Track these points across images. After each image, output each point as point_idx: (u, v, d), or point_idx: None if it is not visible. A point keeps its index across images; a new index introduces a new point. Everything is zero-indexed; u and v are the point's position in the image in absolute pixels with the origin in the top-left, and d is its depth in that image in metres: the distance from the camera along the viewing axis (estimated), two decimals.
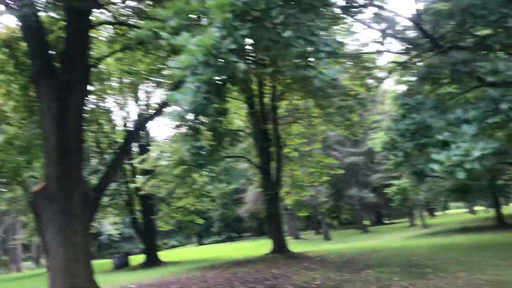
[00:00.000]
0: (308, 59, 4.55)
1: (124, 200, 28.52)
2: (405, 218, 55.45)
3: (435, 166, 4.42)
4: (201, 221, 33.52)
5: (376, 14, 13.75)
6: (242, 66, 4.59)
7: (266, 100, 24.82)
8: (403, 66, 10.99)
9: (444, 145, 4.56)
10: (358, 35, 59.52)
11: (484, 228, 29.21)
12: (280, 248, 23.03)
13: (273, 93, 24.01)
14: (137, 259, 31.23)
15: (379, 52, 11.37)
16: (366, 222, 53.75)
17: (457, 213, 68.20)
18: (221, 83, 4.52)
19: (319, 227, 45.47)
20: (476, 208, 57.17)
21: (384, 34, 11.95)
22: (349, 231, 50.39)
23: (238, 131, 28.11)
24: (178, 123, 5.32)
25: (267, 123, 24.44)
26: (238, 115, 28.13)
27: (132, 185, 25.36)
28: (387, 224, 60.28)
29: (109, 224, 48.48)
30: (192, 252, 43.92)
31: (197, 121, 5.08)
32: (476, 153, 4.26)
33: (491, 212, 36.52)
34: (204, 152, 5.50)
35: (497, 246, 16.85)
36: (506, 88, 4.65)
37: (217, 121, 5.51)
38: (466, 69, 5.25)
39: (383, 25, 12.26)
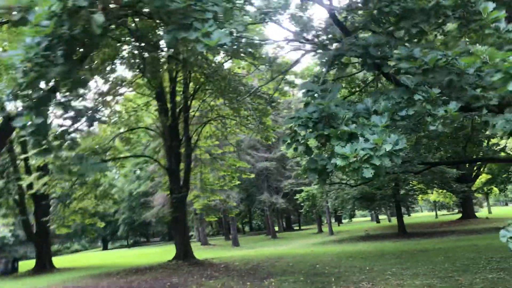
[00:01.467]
0: (192, 17, 3.64)
1: (14, 199, 25.74)
2: (314, 225, 56.60)
3: (338, 161, 3.68)
4: (102, 224, 31.27)
5: (292, 15, 13.30)
6: (98, 18, 3.58)
7: (178, 98, 23.65)
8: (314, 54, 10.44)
9: (351, 137, 3.86)
10: (273, 36, 59.87)
11: (386, 236, 30.15)
12: (184, 254, 21.85)
13: (184, 90, 22.88)
14: (28, 264, 28.39)
15: (288, 41, 10.75)
16: (276, 228, 54.04)
17: (362, 221, 71.13)
18: (71, 39, 3.48)
19: (229, 232, 44.72)
20: (380, 216, 59.92)
21: (298, 35, 11.47)
22: (259, 237, 50.30)
23: (147, 129, 26.74)
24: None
25: (177, 122, 23.24)
26: (148, 112, 26.67)
27: (22, 183, 22.82)
28: (296, 230, 61.19)
29: (1, 225, 44.14)
30: (93, 257, 41.29)
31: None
32: (387, 147, 3.58)
33: (394, 221, 38.05)
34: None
35: (399, 254, 17.06)
36: (422, 76, 4.07)
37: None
38: (378, 54, 4.65)
39: (299, 27, 11.83)
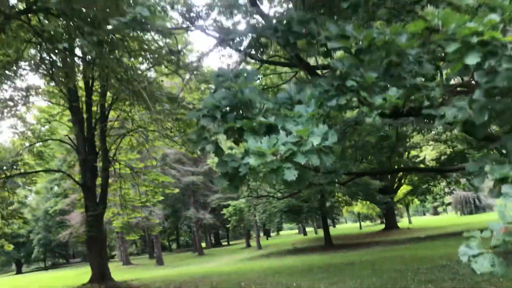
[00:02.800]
0: None
1: None
2: (242, 239, 55.75)
3: (252, 160, 2.83)
4: (10, 247, 28.38)
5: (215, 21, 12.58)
6: None
7: (95, 108, 21.96)
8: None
9: (269, 131, 3.03)
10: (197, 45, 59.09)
11: (314, 249, 29.95)
12: (100, 276, 20.05)
13: (101, 100, 21.26)
14: None
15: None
16: (204, 244, 52.61)
17: (289, 234, 71.42)
18: None
19: (153, 251, 42.67)
20: (307, 229, 60.38)
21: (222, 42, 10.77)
22: (185, 254, 48.57)
23: (61, 141, 24.61)
24: None
25: (94, 134, 21.53)
26: (61, 123, 24.66)
27: None
28: (225, 245, 60.07)
29: None
30: (2, 283, 37.61)
31: None
32: (315, 141, 2.79)
33: (320, 233, 38.14)
34: None
35: (326, 268, 16.58)
36: (355, 58, 3.36)
37: None
38: (303, 31, 3.90)
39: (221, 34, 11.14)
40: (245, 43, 10.36)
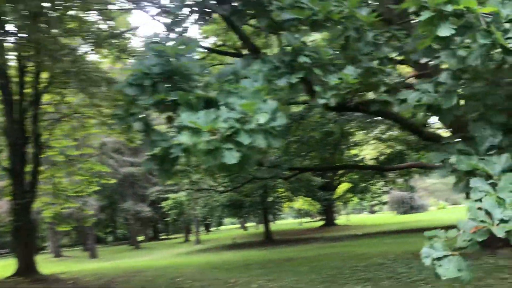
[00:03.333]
0: None
1: None
2: (182, 234, 54.75)
3: (185, 137, 2.36)
4: None
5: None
6: None
7: (30, 90, 20.47)
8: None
9: (209, 106, 2.58)
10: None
11: (253, 244, 29.77)
12: (26, 269, 18.78)
13: (35, 82, 19.86)
14: None
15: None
16: (141, 238, 51.19)
17: (230, 228, 71.14)
18: None
19: (87, 243, 40.89)
20: (248, 224, 60.27)
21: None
22: (121, 247, 47.00)
23: None
24: None
25: (25, 117, 20.07)
26: None
27: None
28: (164, 239, 58.79)
29: None
30: None
31: None
32: (261, 118, 2.37)
33: (261, 228, 38.08)
34: None
35: (265, 264, 16.35)
36: (310, 30, 2.97)
37: None
38: None
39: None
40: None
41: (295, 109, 13.67)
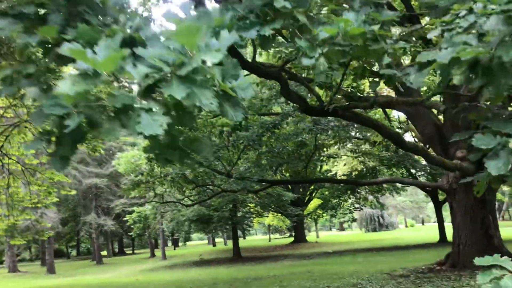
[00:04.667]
0: None
1: None
2: (148, 249, 53.00)
3: (66, 86, 1.50)
4: None
5: None
6: None
7: None
8: None
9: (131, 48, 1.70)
10: None
11: (221, 260, 28.70)
12: None
13: None
14: None
15: None
16: (104, 253, 49.21)
17: (198, 244, 69.56)
18: None
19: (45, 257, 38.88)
20: (216, 240, 58.96)
21: None
22: (83, 262, 45.02)
23: None
24: None
25: None
26: None
27: None
28: (129, 254, 56.83)
29: None
30: None
31: None
32: (208, 58, 1.54)
33: (230, 244, 37.01)
34: None
35: (232, 282, 15.40)
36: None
37: None
38: None
39: None
40: None
41: (268, 118, 12.97)
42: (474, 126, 3.46)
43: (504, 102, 4.36)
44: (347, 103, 6.56)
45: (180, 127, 1.88)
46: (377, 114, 23.38)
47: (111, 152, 34.84)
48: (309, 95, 9.49)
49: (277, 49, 6.05)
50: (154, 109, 1.61)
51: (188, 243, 70.91)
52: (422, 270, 12.68)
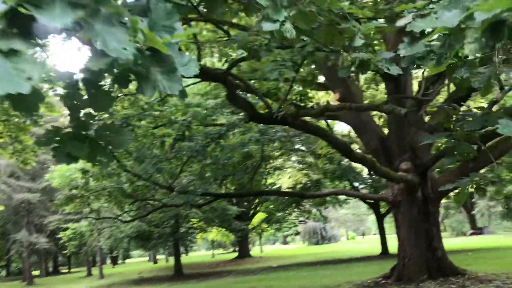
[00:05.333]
0: None
1: None
2: (85, 267, 50.39)
3: None
4: None
5: None
6: None
7: None
8: None
9: None
10: None
11: (162, 278, 27.57)
12: None
13: None
14: None
15: None
16: (37, 272, 46.24)
17: (139, 261, 67.17)
18: None
19: None
20: (158, 256, 57.12)
21: None
22: (11, 284, 42.03)
23: None
24: None
25: None
26: None
27: None
28: (64, 273, 53.77)
29: None
30: None
31: None
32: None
33: (171, 261, 35.81)
34: None
35: None
36: None
37: None
38: None
39: None
40: None
41: (212, 128, 12.44)
42: (442, 127, 3.22)
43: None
44: (297, 110, 6.25)
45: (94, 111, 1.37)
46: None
47: (45, 165, 32.83)
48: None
49: (225, 49, 5.60)
50: (22, 52, 1.10)
51: (127, 260, 68.31)
52: (368, 284, 12.52)
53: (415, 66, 2.58)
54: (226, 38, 6.14)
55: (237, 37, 3.84)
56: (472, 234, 48.69)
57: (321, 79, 14.21)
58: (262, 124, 12.43)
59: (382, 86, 21.66)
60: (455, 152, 2.36)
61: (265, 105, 6.14)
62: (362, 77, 18.39)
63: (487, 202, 49.69)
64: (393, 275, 12.40)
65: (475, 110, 3.11)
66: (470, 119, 2.41)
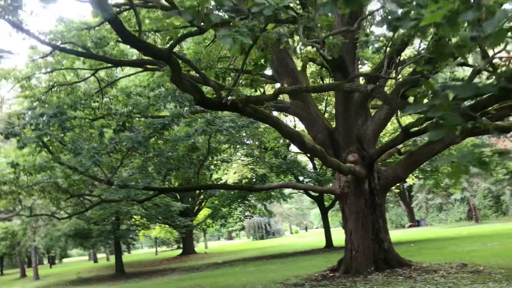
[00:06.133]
0: None
1: None
2: (19, 268, 47.64)
3: None
4: None
5: None
6: None
7: None
8: None
9: None
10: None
11: (102, 278, 26.39)
12: None
13: None
14: None
15: None
16: None
17: (78, 260, 64.58)
18: None
19: None
20: (99, 255, 55.11)
21: None
22: None
23: None
24: None
25: None
26: None
27: None
28: None
29: None
30: None
31: None
32: None
33: (113, 260, 34.50)
34: None
35: None
36: None
37: None
38: None
39: None
40: None
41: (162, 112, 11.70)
42: (421, 100, 2.95)
43: None
44: (248, 96, 5.81)
45: None
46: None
47: None
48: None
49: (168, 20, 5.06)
50: None
51: (66, 260, 65.53)
52: (315, 278, 12.36)
53: (391, 28, 2.31)
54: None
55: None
56: (410, 226, 50.58)
57: (269, 72, 13.92)
58: (208, 115, 11.94)
59: (326, 81, 21.78)
60: (442, 125, 2.07)
61: (213, 89, 5.66)
62: (308, 71, 18.31)
63: (425, 195, 51.83)
64: (341, 267, 12.32)
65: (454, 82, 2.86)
66: (458, 87, 2.13)
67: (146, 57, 8.84)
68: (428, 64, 6.96)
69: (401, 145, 14.73)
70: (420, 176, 28.56)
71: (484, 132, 12.17)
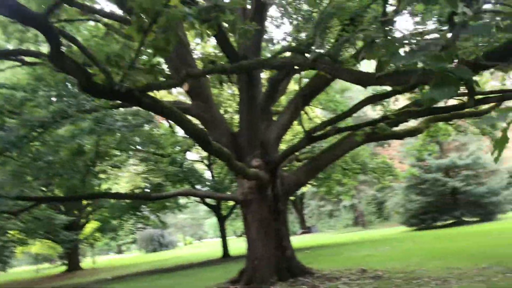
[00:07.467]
0: None
1: None
2: None
3: None
4: None
5: None
6: None
7: None
8: None
9: None
10: None
11: None
12: None
13: None
14: None
15: None
16: None
17: None
18: None
19: None
20: None
21: None
22: None
23: None
24: None
25: None
26: None
27: None
28: None
29: None
30: None
31: None
32: None
33: None
34: None
35: None
36: None
37: None
38: None
39: None
40: None
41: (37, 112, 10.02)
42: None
43: None
44: (147, 82, 4.89)
45: None
46: (161, 129, 22.05)
47: None
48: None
49: None
50: None
51: None
52: None
53: None
54: None
55: None
56: (303, 233, 52.03)
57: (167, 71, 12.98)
58: (97, 113, 10.48)
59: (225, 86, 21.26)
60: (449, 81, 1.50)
61: (102, 73, 4.61)
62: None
63: (318, 202, 53.69)
64: (242, 278, 11.66)
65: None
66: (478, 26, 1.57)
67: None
68: None
69: (297, 152, 14.54)
70: (314, 183, 29.19)
71: (382, 138, 12.42)
